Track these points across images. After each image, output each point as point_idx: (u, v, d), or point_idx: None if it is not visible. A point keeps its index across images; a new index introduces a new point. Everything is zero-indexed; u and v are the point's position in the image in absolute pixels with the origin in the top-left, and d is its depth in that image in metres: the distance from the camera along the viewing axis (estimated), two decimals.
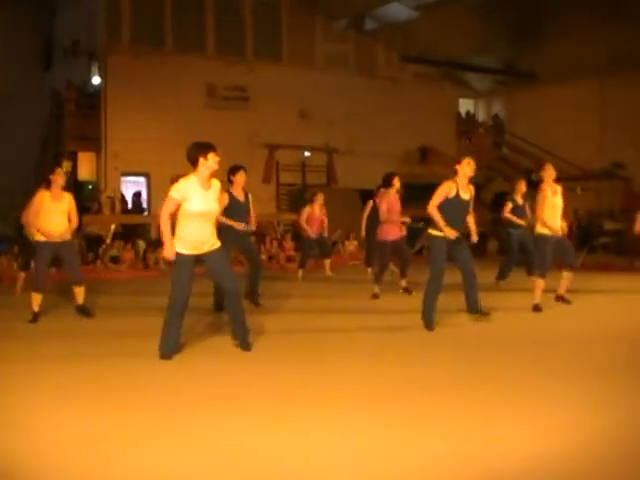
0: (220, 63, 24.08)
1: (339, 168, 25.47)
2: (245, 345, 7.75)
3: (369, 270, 14.92)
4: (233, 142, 22.13)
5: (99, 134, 22.80)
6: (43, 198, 9.94)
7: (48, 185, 9.99)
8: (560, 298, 11.19)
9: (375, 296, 12.29)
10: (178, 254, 7.43)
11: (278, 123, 24.22)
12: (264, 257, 18.69)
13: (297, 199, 23.92)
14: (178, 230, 7.48)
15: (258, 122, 23.96)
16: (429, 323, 9.14)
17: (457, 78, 29.75)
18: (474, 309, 9.53)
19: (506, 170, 26.59)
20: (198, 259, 7.59)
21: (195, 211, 7.39)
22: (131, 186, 23.65)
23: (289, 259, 19.73)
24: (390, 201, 12.22)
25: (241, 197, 10.71)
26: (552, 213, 10.70)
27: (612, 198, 22.60)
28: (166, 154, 22.44)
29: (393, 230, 12.36)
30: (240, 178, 10.70)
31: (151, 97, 22.69)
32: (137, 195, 23.10)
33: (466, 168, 9.07)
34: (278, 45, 25.75)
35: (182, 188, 7.37)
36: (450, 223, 8.94)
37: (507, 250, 14.03)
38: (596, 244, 20.26)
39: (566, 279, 11.16)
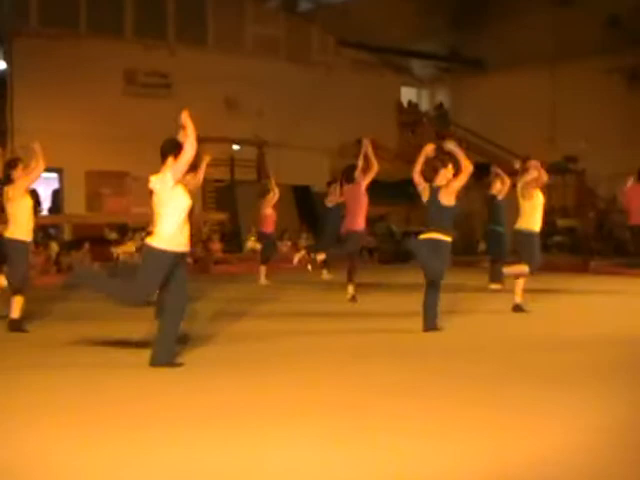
0: (139, 47, 23.96)
1: (270, 162, 25.45)
2: (168, 363, 7.66)
3: (324, 272, 15.82)
4: (154, 134, 21.87)
5: (4, 126, 22.48)
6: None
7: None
8: (518, 308, 11.49)
9: (353, 299, 12.82)
10: (161, 251, 7.49)
11: (203, 113, 23.72)
12: (189, 260, 18.67)
13: (225, 197, 23.92)
14: (166, 226, 7.52)
15: (181, 112, 23.79)
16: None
17: (398, 65, 29.99)
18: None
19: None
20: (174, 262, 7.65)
21: (185, 205, 7.61)
22: (42, 183, 23.31)
23: (217, 262, 19.74)
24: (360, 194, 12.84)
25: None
26: (539, 210, 11.30)
27: (565, 194, 23.05)
28: (81, 147, 22.27)
29: (361, 222, 12.90)
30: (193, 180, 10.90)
31: (63, 84, 22.44)
32: (57, 192, 22.87)
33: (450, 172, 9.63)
34: (203, 27, 25.70)
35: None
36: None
37: (497, 252, 14.24)
38: (550, 243, 20.66)
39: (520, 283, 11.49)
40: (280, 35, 27.26)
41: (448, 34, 28.17)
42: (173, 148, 7.61)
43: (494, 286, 14.22)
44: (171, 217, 7.51)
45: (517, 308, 11.25)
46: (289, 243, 21.61)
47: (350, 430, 5.44)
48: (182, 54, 24.59)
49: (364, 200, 12.92)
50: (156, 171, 7.69)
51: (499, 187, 14.48)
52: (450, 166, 9.66)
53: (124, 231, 20.72)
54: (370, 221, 13.73)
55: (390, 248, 22.24)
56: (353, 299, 12.89)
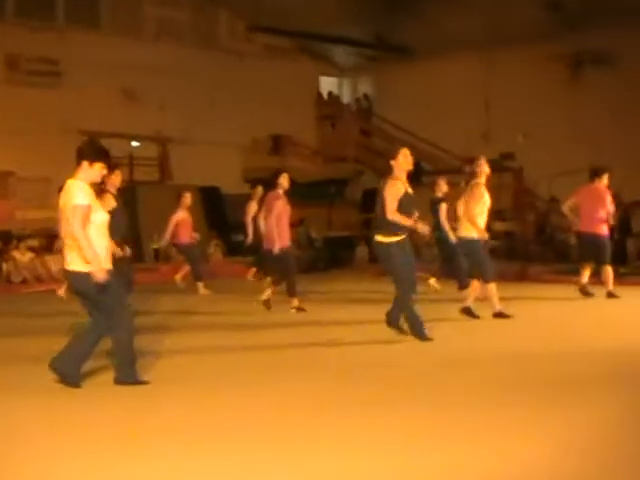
0: (23, 30, 23.56)
1: (174, 161, 25.35)
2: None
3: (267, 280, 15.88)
4: (41, 128, 21.86)
5: None
6: None
7: None
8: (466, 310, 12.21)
9: (300, 309, 13.51)
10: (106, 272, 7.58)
11: (98, 105, 23.83)
12: None
13: (123, 200, 23.68)
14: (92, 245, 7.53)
15: (73, 104, 23.51)
16: (422, 334, 10.13)
17: (317, 52, 30.07)
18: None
19: (377, 163, 27.04)
20: None
21: (102, 220, 7.71)
22: None
23: None
24: (283, 204, 13.29)
25: (118, 202, 11.03)
26: (483, 214, 11.83)
27: (501, 194, 23.22)
28: None
29: (287, 235, 13.49)
30: (117, 178, 11.11)
31: None
32: None
33: (403, 162, 10.08)
34: (96, 8, 25.45)
35: (87, 192, 7.57)
36: (402, 228, 9.98)
37: (451, 258, 14.63)
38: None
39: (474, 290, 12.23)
40: (184, 18, 27.14)
41: (372, 18, 28.16)
42: (92, 154, 7.67)
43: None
44: (89, 234, 7.51)
45: (466, 310, 12.01)
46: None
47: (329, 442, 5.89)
48: (73, 38, 24.26)
49: (289, 210, 13.42)
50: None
51: (445, 189, 14.77)
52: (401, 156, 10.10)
53: (7, 239, 20.40)
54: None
55: (309, 256, 22.23)
56: (300, 310, 13.52)
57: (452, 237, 14.14)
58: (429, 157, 26.39)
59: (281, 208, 13.24)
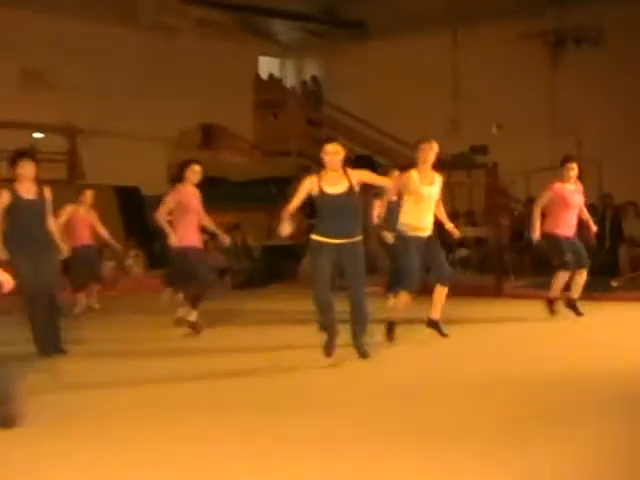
0: None
1: (86, 156, 24.80)
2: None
3: (165, 293, 16.21)
4: None
5: None
6: None
7: None
8: (433, 324, 12.00)
9: (194, 327, 13.07)
10: None
11: None
12: None
13: None
14: None
15: None
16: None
17: (256, 28, 29.91)
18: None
19: None
20: None
21: None
22: None
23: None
24: (183, 197, 13.09)
25: (31, 194, 10.97)
26: (414, 207, 11.48)
27: (471, 194, 23.07)
28: None
29: (191, 235, 13.16)
30: (25, 170, 10.92)
31: None
32: None
33: (324, 157, 10.19)
34: None
35: None
36: (324, 229, 10.19)
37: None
38: (451, 259, 20.48)
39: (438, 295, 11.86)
40: None
41: None
42: None
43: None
44: None
45: (432, 324, 11.89)
46: (112, 264, 21.03)
47: None
48: None
49: (197, 205, 13.29)
50: None
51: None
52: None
53: None
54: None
55: (246, 268, 21.93)
56: (194, 327, 13.10)
57: (387, 238, 13.75)
58: (386, 150, 26.23)
59: (188, 200, 13.08)
